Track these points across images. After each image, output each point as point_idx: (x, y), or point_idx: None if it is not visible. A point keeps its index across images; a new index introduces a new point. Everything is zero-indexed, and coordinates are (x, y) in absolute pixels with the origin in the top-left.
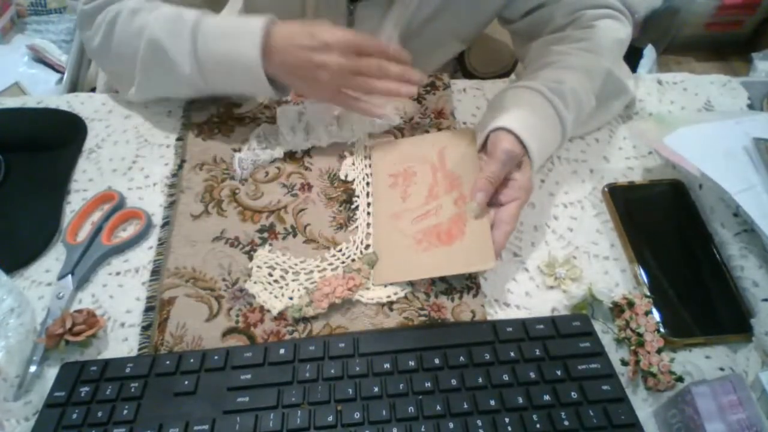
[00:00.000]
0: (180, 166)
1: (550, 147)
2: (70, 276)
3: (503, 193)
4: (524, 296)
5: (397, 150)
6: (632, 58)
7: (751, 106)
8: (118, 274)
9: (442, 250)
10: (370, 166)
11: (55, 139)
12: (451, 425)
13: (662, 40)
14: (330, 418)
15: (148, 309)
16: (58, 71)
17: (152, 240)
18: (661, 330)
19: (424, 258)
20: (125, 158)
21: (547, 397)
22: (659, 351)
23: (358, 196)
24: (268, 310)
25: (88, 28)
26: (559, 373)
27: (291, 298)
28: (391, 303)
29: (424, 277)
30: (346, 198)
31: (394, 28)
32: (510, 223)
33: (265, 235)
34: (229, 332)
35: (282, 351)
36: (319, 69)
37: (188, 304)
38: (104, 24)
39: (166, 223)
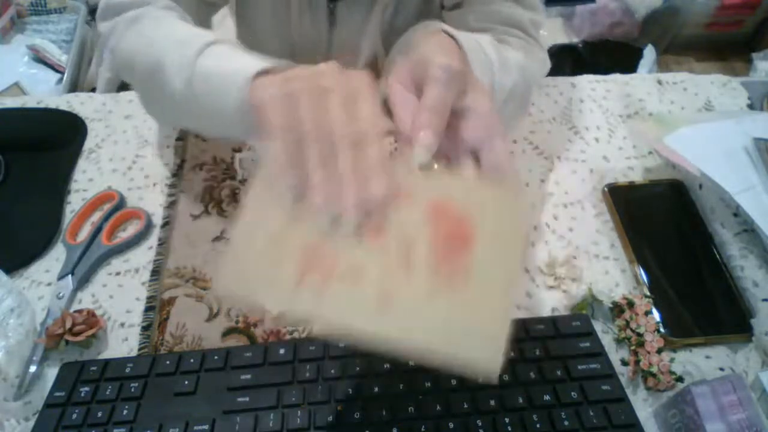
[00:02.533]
0: (180, 166)
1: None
2: (70, 276)
3: (466, 129)
4: (524, 296)
5: None
6: (632, 58)
7: (751, 106)
8: (118, 274)
9: (450, 288)
10: None
11: (55, 139)
12: (451, 425)
13: (662, 40)
14: (330, 418)
15: (148, 309)
16: (58, 71)
17: (152, 240)
18: (661, 330)
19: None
20: (125, 158)
21: (547, 397)
22: (659, 351)
23: None
24: (268, 310)
25: (106, 20)
26: (559, 373)
27: None
28: None
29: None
30: None
31: (377, 27)
32: (505, 160)
33: None
34: (229, 332)
35: (282, 351)
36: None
37: (188, 304)
38: (122, 24)
39: (166, 223)
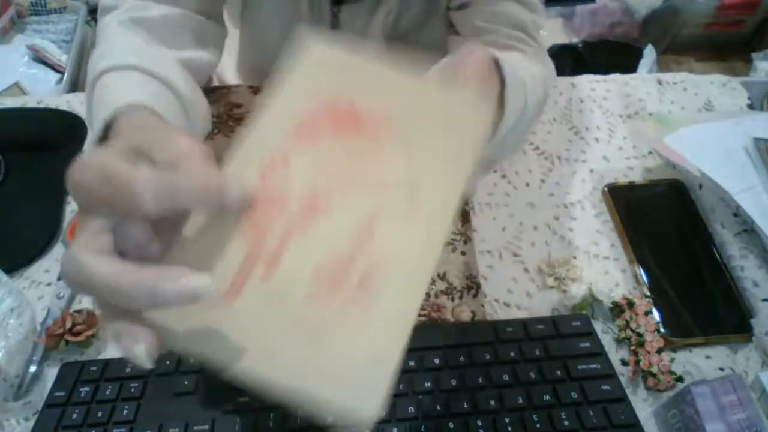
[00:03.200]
0: None
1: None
2: None
3: None
4: (524, 296)
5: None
6: (632, 58)
7: (751, 106)
8: None
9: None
10: None
11: (55, 139)
12: (451, 425)
13: (662, 40)
14: (330, 418)
15: None
16: (58, 71)
17: None
18: (661, 330)
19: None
20: None
21: (547, 397)
22: (659, 351)
23: None
24: None
25: (101, 18)
26: (559, 373)
27: None
28: None
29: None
30: None
31: (380, 30)
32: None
33: None
34: None
35: None
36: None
37: None
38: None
39: None
